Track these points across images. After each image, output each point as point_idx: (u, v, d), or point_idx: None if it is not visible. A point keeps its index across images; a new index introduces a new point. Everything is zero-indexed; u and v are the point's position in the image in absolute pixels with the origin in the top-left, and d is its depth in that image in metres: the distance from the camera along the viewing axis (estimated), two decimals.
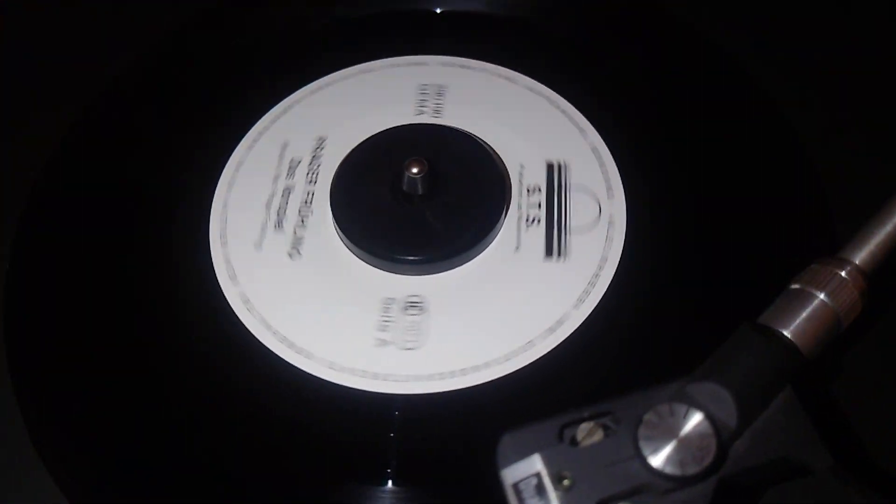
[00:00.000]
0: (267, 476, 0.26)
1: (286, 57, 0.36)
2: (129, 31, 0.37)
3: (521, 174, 0.31)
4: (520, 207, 0.31)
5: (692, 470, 0.19)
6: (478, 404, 0.27)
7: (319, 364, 0.28)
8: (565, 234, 0.30)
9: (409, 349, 0.28)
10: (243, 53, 0.36)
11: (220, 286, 0.29)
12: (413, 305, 0.29)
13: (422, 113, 0.33)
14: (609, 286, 0.28)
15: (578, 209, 0.30)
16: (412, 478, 0.26)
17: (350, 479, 0.26)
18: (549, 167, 0.32)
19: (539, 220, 0.30)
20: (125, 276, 0.30)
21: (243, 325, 0.29)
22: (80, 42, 0.37)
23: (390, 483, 0.25)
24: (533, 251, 0.30)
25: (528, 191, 0.31)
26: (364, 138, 0.32)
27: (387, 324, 0.28)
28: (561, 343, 0.27)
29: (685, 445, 0.20)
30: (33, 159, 0.33)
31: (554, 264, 0.29)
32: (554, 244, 0.30)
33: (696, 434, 0.20)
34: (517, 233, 0.30)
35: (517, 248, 0.30)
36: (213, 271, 0.30)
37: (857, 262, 0.23)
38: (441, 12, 0.37)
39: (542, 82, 0.34)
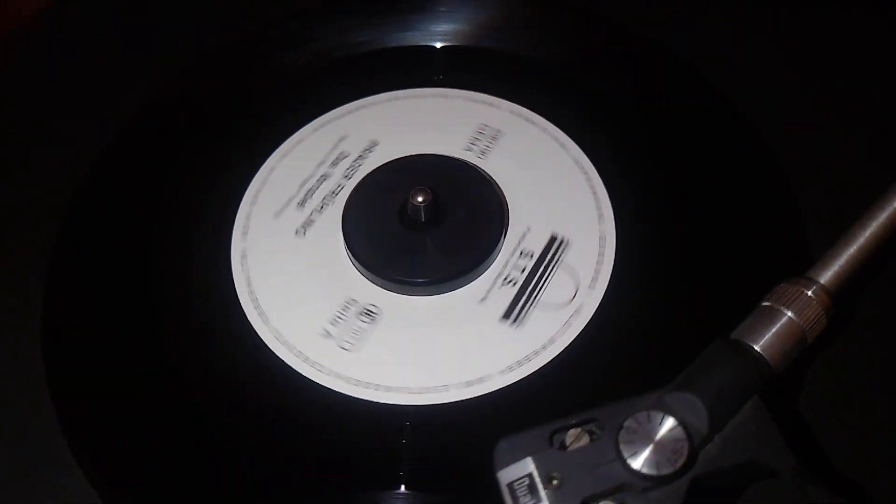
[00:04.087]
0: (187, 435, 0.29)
1: (381, 63, 0.39)
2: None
3: (523, 235, 0.33)
4: (505, 265, 0.32)
5: (666, 470, 0.22)
6: (378, 421, 0.29)
7: (269, 330, 0.31)
8: (531, 305, 0.31)
9: (344, 349, 0.30)
10: (346, 53, 0.39)
11: (231, 238, 0.33)
12: (368, 314, 0.31)
13: (470, 150, 0.35)
14: (543, 366, 0.29)
15: (556, 286, 0.31)
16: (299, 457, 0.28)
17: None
18: (552, 239, 0.32)
19: (515, 283, 0.31)
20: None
21: (232, 277, 0.32)
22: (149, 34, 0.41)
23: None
24: (493, 309, 0.31)
25: (521, 253, 0.32)
26: (407, 154, 0.35)
27: (338, 320, 0.31)
28: (474, 398, 0.29)
29: (661, 448, 0.22)
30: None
31: (506, 328, 0.30)
32: (515, 310, 0.31)
33: (671, 438, 0.22)
34: (490, 286, 0.31)
35: (482, 300, 0.31)
36: (233, 225, 0.34)
37: (822, 282, 0.26)
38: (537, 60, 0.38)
39: (588, 156, 0.35)
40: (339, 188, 0.35)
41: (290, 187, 0.35)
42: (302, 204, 0.34)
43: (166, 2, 0.42)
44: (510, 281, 0.31)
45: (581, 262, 0.32)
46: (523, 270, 0.32)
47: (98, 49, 0.41)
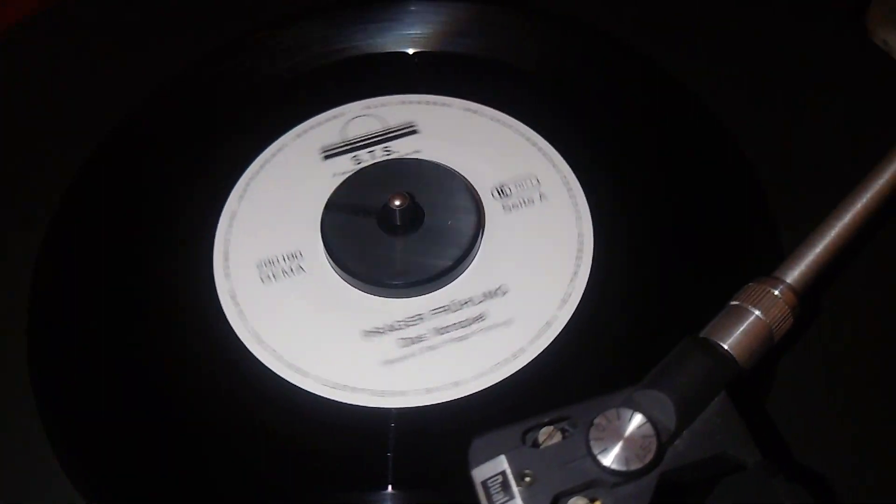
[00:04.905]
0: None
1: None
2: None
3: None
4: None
5: (635, 466, 0.22)
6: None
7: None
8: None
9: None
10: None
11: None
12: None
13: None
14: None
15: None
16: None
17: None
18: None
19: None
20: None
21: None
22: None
23: None
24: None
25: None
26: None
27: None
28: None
29: (630, 445, 0.23)
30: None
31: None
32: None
33: (639, 435, 0.23)
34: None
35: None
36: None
37: (788, 281, 0.26)
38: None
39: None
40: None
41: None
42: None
43: (132, 20, 0.42)
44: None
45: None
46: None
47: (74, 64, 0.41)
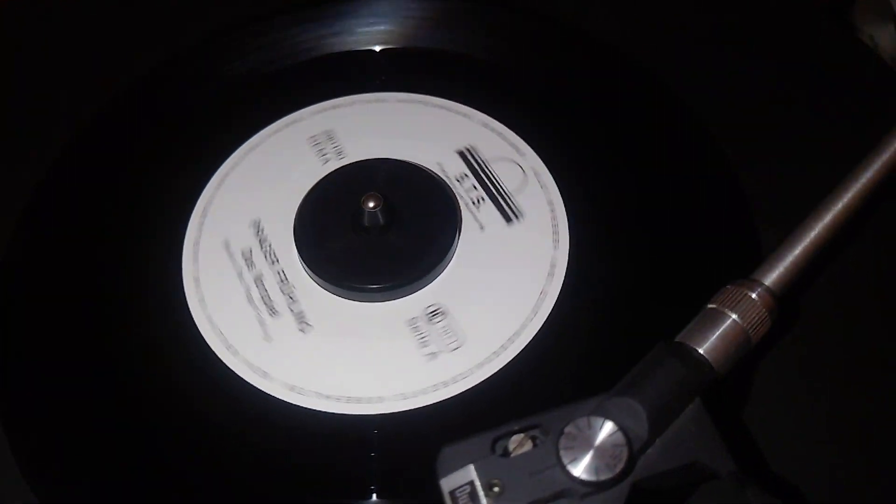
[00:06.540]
0: None
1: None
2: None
3: (443, 169, 0.34)
4: (461, 197, 0.34)
5: (605, 476, 0.22)
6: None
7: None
8: (510, 197, 0.34)
9: (455, 350, 0.30)
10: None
11: (256, 387, 0.30)
12: (434, 314, 0.31)
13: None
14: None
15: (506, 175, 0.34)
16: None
17: None
18: (461, 154, 0.35)
19: (483, 199, 0.34)
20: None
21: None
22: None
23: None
24: (494, 223, 0.33)
25: (458, 180, 0.34)
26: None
27: (425, 338, 0.31)
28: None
29: (600, 454, 0.22)
30: None
31: (517, 226, 0.33)
32: (507, 210, 0.33)
33: (610, 444, 0.22)
34: (473, 217, 0.33)
35: (481, 228, 0.33)
36: (243, 379, 0.30)
37: (766, 284, 0.26)
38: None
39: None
40: (282, 273, 0.33)
41: (244, 313, 0.32)
42: (273, 311, 0.32)
43: (90, 28, 0.41)
44: (478, 200, 0.34)
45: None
46: (475, 187, 0.34)
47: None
